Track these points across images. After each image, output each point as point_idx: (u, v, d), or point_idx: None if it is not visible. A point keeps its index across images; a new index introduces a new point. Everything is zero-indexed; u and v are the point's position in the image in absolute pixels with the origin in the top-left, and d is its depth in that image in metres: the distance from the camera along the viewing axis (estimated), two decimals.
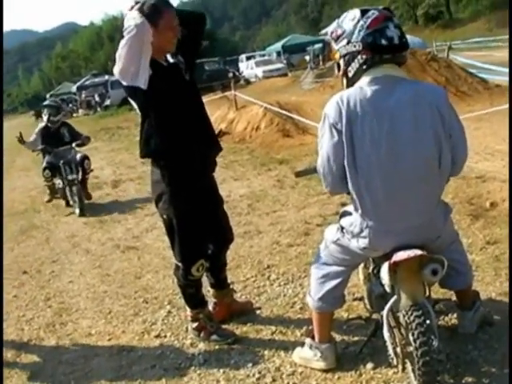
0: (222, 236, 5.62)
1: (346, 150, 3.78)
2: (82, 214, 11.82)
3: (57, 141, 12.56)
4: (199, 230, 5.26)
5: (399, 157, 3.78)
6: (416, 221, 3.91)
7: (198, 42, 5.48)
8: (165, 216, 5.26)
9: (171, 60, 5.15)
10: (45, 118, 12.81)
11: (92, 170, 13.29)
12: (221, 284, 5.85)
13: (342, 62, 4.00)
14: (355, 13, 3.94)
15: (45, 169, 12.58)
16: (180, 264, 5.30)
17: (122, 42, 4.71)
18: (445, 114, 3.89)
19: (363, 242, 3.98)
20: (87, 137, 12.84)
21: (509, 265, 5.66)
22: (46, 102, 13.77)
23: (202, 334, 5.49)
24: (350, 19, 3.91)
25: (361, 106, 3.77)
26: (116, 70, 4.88)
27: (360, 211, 3.94)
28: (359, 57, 3.87)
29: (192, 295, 5.48)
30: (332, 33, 4.01)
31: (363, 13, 3.90)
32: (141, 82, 4.82)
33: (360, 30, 3.84)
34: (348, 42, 3.88)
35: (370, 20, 3.85)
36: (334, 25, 4.04)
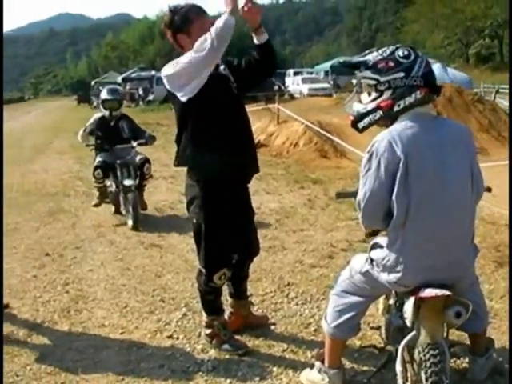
0: (249, 248, 5.62)
1: (398, 187, 3.77)
2: (135, 227, 10.00)
3: (114, 136, 10.60)
4: (227, 238, 5.27)
5: (446, 192, 3.81)
6: (453, 257, 3.92)
7: (258, 80, 5.53)
8: (194, 220, 5.27)
9: (222, 71, 5.18)
10: (106, 113, 10.84)
11: (151, 176, 11.19)
12: (240, 295, 5.85)
13: (387, 93, 3.96)
14: (408, 49, 3.98)
15: (96, 168, 10.54)
16: (203, 270, 5.31)
17: (187, 57, 4.78)
18: (473, 149, 4.04)
19: (395, 277, 3.95)
20: (152, 136, 10.86)
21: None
22: (105, 96, 11.04)
23: (214, 341, 5.49)
24: (403, 53, 3.92)
25: (413, 144, 3.78)
26: (166, 72, 4.94)
27: (398, 245, 3.92)
28: (418, 92, 3.87)
29: (210, 302, 5.50)
30: (378, 62, 3.97)
31: (414, 51, 3.96)
32: (183, 96, 4.86)
33: (420, 67, 3.86)
34: (406, 76, 3.87)
35: (425, 60, 3.93)
36: (375, 55, 4.02)
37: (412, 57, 3.90)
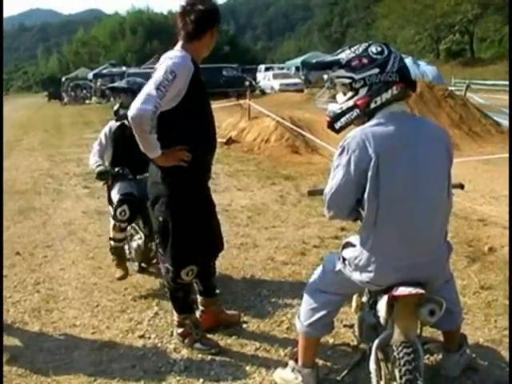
0: (213, 244, 5.62)
1: (369, 187, 3.75)
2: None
3: (139, 158, 5.47)
4: (194, 234, 5.25)
5: (421, 192, 3.79)
6: (426, 258, 3.89)
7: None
8: (160, 218, 5.24)
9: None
10: (112, 112, 7.27)
11: None
12: (208, 292, 5.85)
13: (363, 91, 3.91)
14: (381, 45, 3.96)
15: (121, 203, 6.85)
16: (170, 267, 5.29)
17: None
18: (450, 150, 3.98)
19: (367, 277, 3.94)
20: None
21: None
22: (115, 84, 8.05)
23: (186, 341, 5.47)
24: (376, 49, 3.89)
25: (386, 143, 3.75)
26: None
27: (370, 245, 3.91)
28: (394, 87, 3.84)
29: (179, 299, 5.48)
30: (351, 60, 3.92)
31: (388, 47, 3.93)
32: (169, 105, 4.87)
33: (394, 62, 3.84)
34: (381, 72, 3.84)
35: (399, 55, 3.91)
36: (347, 53, 3.98)
37: (386, 52, 3.87)
